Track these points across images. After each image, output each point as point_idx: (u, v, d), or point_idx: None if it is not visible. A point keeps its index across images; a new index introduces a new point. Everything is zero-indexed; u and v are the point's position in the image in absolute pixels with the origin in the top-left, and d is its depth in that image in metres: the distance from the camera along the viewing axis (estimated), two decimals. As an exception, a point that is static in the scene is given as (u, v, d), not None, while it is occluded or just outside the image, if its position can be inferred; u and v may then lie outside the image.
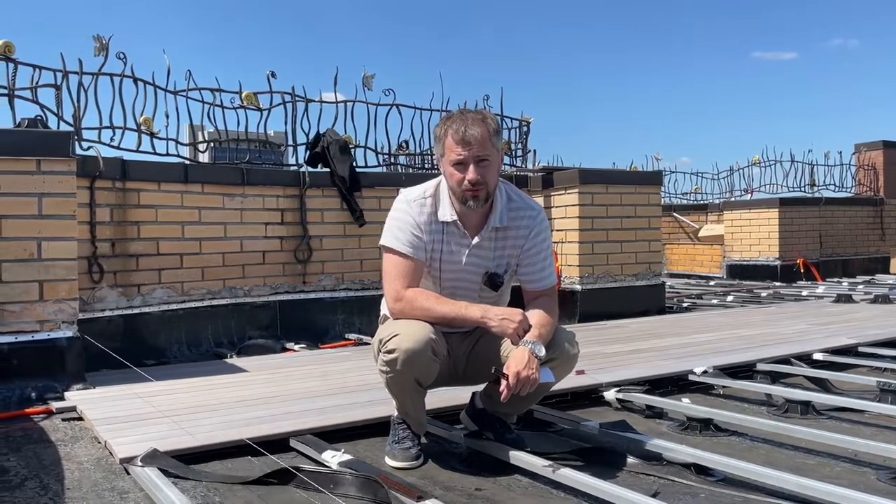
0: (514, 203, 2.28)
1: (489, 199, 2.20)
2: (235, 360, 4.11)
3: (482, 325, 2.15)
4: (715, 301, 7.08)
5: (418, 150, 5.87)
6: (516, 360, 2.07)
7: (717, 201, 11.02)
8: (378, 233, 5.52)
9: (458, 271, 2.28)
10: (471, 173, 2.12)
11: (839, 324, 4.95)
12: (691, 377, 3.42)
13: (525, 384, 2.05)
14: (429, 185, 2.28)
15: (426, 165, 5.97)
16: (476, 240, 2.24)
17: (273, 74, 5.13)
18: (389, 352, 2.10)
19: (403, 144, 5.75)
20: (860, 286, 8.08)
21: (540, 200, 5.88)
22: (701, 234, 10.80)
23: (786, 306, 6.28)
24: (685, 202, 11.45)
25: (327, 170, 5.18)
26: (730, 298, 6.94)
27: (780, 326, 4.85)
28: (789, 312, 5.69)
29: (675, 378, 3.43)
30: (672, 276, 10.85)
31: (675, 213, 11.21)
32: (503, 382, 2.07)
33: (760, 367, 3.63)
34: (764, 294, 7.54)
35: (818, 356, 3.89)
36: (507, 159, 6.28)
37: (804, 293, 7.46)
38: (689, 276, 10.61)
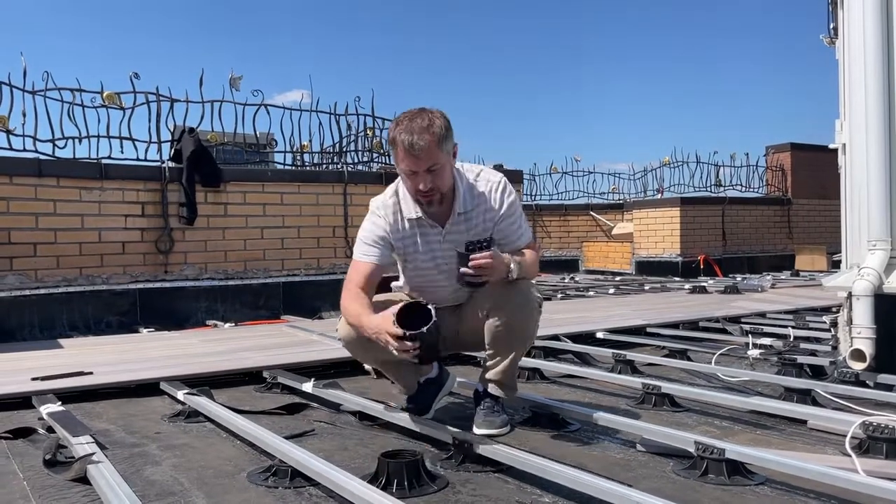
0: (475, 182, 2.34)
1: (444, 199, 2.25)
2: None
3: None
4: (592, 293, 7.43)
5: (288, 148, 6.20)
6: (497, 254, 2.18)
7: (631, 200, 11.43)
8: (243, 225, 5.88)
9: (436, 258, 2.35)
10: (422, 184, 2.18)
11: (655, 310, 5.32)
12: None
13: (488, 266, 2.15)
14: (390, 189, 2.34)
15: (297, 163, 6.30)
16: (446, 228, 2.31)
17: (136, 75, 5.45)
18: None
19: (272, 142, 6.06)
20: (741, 279, 8.46)
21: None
22: (614, 232, 11.20)
23: (633, 296, 6.66)
24: (603, 201, 11.83)
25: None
26: (591, 293, 7.31)
27: (598, 311, 5.22)
28: (623, 300, 6.06)
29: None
30: (588, 272, 11.24)
31: (592, 212, 11.61)
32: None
33: (537, 343, 3.97)
34: (629, 286, 7.92)
35: (600, 335, 4.25)
36: (376, 157, 6.63)
37: (686, 286, 7.82)
38: (602, 272, 10.98)
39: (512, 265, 2.24)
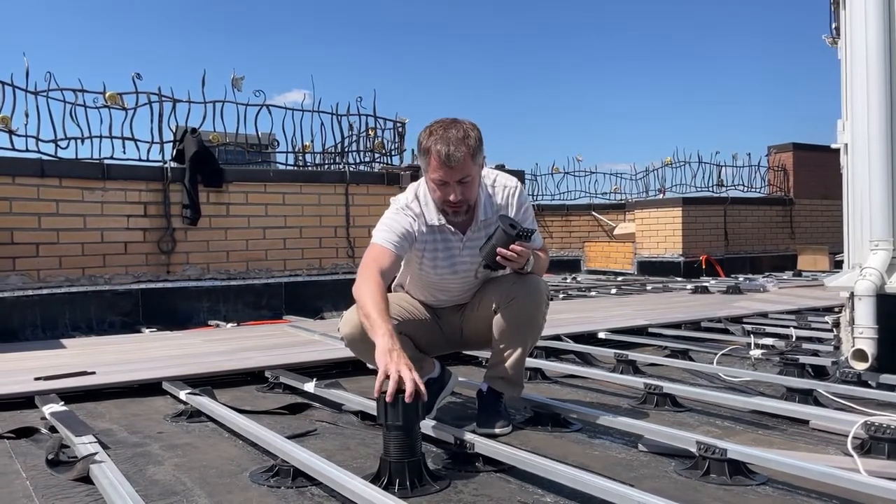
0: (493, 189, 2.36)
1: (470, 209, 2.28)
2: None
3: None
4: (594, 293, 7.43)
5: (290, 148, 6.20)
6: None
7: (633, 200, 11.42)
8: (245, 225, 5.89)
9: (455, 265, 2.36)
10: (453, 195, 2.19)
11: (657, 310, 5.31)
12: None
13: (523, 254, 2.20)
14: (410, 194, 2.34)
15: (299, 163, 6.31)
16: (467, 235, 2.33)
17: (138, 76, 5.46)
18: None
19: (274, 142, 6.07)
20: (743, 279, 8.46)
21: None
22: (616, 232, 11.19)
23: (635, 296, 6.67)
24: (605, 201, 11.83)
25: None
26: (593, 293, 7.32)
27: (600, 311, 5.22)
28: (625, 301, 6.06)
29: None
30: (590, 272, 11.24)
31: (594, 212, 11.61)
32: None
33: (539, 342, 3.97)
34: (631, 286, 7.92)
35: (602, 335, 4.25)
36: (378, 157, 6.64)
37: (688, 286, 7.82)
38: (604, 272, 10.98)
39: (531, 258, 2.29)
